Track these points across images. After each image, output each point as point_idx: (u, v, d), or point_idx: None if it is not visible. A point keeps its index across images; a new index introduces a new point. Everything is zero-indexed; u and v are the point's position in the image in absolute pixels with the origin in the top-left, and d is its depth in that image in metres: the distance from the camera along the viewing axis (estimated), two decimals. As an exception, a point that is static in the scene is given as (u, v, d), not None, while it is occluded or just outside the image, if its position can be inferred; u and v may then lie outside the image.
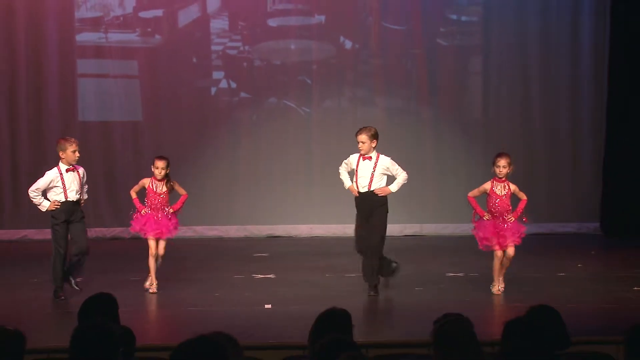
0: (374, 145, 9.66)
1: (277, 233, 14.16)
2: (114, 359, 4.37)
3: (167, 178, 9.90)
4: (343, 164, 9.89)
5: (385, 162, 9.71)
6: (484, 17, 14.34)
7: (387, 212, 9.76)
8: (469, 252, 11.67)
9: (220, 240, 13.75)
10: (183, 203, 10.02)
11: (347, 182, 9.84)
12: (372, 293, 9.64)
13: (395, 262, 10.00)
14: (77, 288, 9.62)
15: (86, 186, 9.90)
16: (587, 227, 14.23)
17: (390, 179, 9.83)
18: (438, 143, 14.32)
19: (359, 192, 9.71)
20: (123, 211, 13.80)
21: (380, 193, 9.67)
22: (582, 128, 14.40)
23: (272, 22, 14.45)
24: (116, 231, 13.93)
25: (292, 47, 14.44)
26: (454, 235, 13.76)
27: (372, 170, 9.65)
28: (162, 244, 9.89)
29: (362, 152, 9.66)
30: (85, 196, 9.88)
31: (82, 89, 14.15)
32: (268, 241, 13.83)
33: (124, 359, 4.62)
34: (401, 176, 9.76)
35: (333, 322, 4.98)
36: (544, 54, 14.32)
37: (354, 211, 9.92)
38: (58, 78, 14.05)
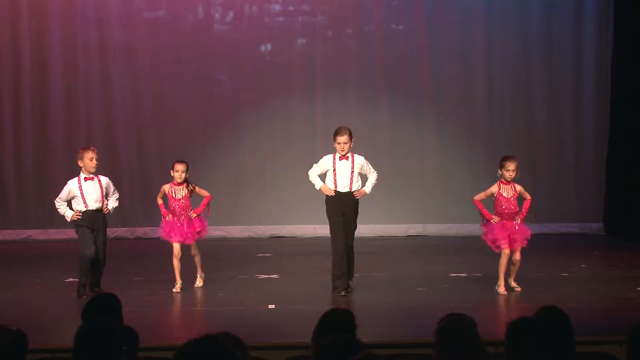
0: (351, 145, 9.71)
1: (281, 233, 14.18)
2: (117, 359, 4.37)
3: (187, 182, 9.95)
4: (315, 166, 9.91)
5: (360, 161, 9.76)
6: (487, 19, 14.33)
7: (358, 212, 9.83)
8: (473, 252, 11.68)
9: (224, 240, 13.76)
10: (206, 205, 10.06)
11: (319, 183, 9.85)
12: (343, 293, 9.63)
13: None
14: (91, 293, 9.54)
15: (116, 194, 9.96)
16: (591, 228, 14.24)
17: (362, 178, 9.86)
18: (442, 143, 14.32)
19: (337, 192, 9.69)
20: (126, 211, 13.89)
21: (358, 195, 9.72)
22: (586, 128, 14.41)
23: (276, 23, 14.45)
24: (119, 231, 13.96)
25: (296, 47, 14.44)
26: (457, 236, 13.76)
27: (351, 170, 9.69)
28: (192, 246, 10.02)
29: (343, 152, 9.67)
30: (114, 204, 9.94)
31: (86, 89, 14.16)
32: (272, 241, 13.84)
33: (127, 359, 4.63)
34: (373, 175, 9.82)
35: (336, 322, 4.98)
36: (548, 55, 14.33)
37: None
38: (62, 78, 14.08)
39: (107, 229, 10.06)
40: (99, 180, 9.80)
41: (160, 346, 6.97)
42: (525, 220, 9.69)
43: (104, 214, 9.81)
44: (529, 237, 9.72)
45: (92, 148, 9.81)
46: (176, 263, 9.93)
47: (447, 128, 14.31)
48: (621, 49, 13.97)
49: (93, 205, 9.71)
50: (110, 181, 9.95)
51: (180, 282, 9.93)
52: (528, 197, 9.73)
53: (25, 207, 14.13)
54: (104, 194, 9.81)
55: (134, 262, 11.82)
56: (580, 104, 14.39)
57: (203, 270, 10.18)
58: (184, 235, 9.91)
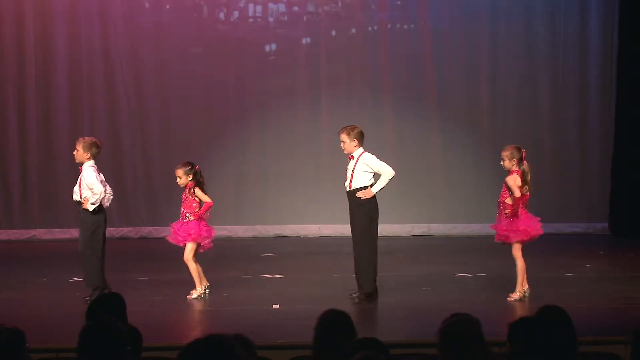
0: (354, 144, 9.30)
1: (286, 233, 14.18)
2: (121, 359, 4.38)
3: (195, 183, 9.57)
4: None
5: (365, 159, 9.29)
6: (491, 19, 14.32)
7: (367, 212, 9.31)
8: (477, 252, 11.68)
9: (229, 240, 13.75)
10: (205, 211, 9.64)
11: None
12: (353, 295, 9.30)
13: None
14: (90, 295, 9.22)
15: (91, 187, 9.23)
16: (596, 227, 14.22)
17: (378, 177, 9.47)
18: (446, 143, 14.31)
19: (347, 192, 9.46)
20: (130, 211, 13.93)
21: (362, 196, 9.26)
22: (591, 129, 14.39)
23: (280, 23, 14.45)
24: (124, 231, 13.97)
25: (301, 47, 14.44)
26: (462, 236, 13.76)
27: (352, 169, 9.33)
28: (186, 248, 9.59)
29: (344, 152, 9.40)
30: (90, 204, 9.23)
31: (90, 89, 14.17)
32: (276, 241, 13.85)
33: (131, 359, 4.63)
34: (385, 174, 9.27)
35: (334, 324, 4.96)
36: (552, 54, 14.32)
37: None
38: (66, 78, 14.09)
39: (112, 228, 9.85)
40: (81, 173, 9.35)
41: (164, 346, 6.97)
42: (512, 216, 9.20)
43: (84, 208, 9.27)
44: (505, 234, 9.21)
45: (78, 139, 9.54)
46: (192, 266, 9.62)
47: (451, 128, 14.30)
48: (626, 47, 13.95)
49: (74, 196, 9.43)
50: (88, 176, 9.22)
51: (200, 287, 9.60)
52: (516, 193, 9.12)
53: (30, 206, 14.14)
54: (84, 187, 9.28)
55: (138, 262, 11.83)
56: (585, 103, 14.37)
57: (201, 282, 9.62)
58: (176, 237, 9.62)
